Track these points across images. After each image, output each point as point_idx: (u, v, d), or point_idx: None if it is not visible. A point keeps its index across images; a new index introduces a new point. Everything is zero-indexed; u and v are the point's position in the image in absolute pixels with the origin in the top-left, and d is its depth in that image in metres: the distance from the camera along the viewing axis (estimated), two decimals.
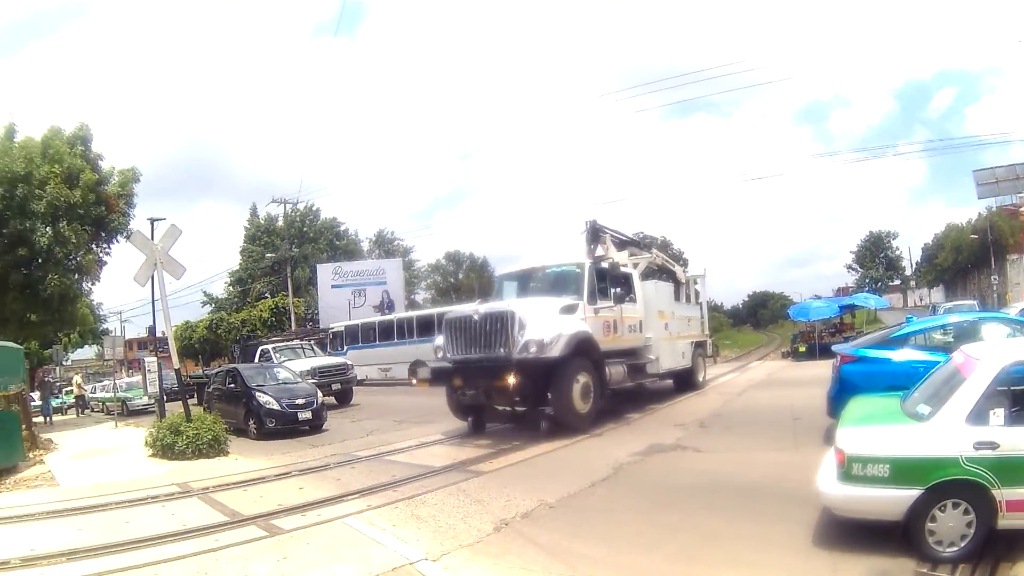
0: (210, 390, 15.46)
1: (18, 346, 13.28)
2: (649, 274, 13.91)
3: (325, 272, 40.39)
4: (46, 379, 29.51)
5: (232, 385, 14.00)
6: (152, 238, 11.91)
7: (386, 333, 27.64)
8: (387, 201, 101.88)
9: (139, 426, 14.70)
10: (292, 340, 26.12)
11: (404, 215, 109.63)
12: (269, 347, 21.76)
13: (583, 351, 9.94)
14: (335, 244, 47.71)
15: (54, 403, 24.41)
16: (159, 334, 20.98)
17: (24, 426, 11.88)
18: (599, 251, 12.41)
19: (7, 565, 5.04)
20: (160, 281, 11.43)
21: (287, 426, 12.54)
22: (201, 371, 37.86)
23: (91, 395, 29.51)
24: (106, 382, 30.57)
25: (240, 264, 48.60)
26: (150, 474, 9.30)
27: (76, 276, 19.55)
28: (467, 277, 59.56)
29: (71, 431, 17.72)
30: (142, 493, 7.55)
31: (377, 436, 11.45)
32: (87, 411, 27.30)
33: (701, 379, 15.42)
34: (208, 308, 51.20)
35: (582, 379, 9.76)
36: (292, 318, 39.33)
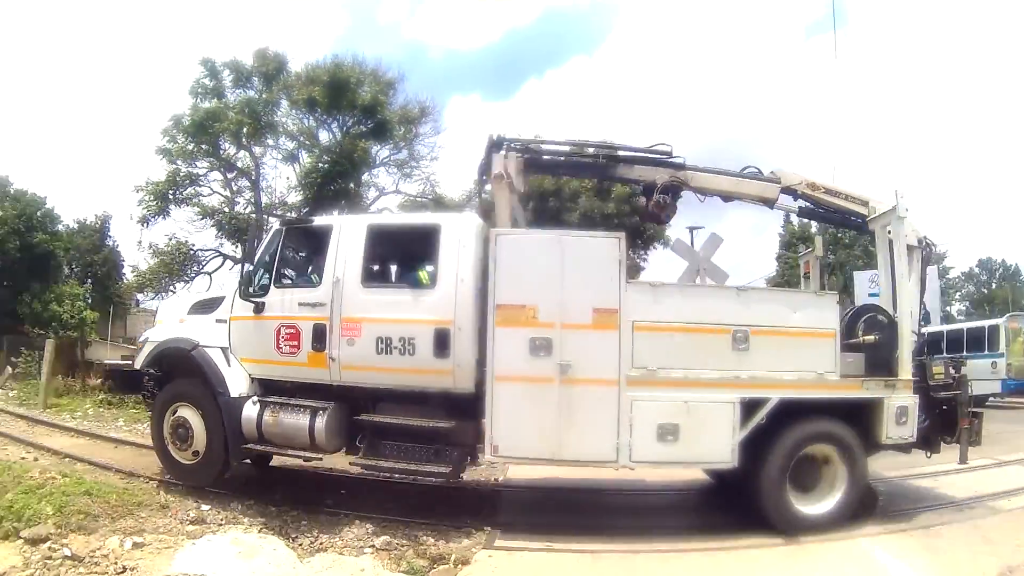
0: None
1: None
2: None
3: (862, 280, 38.29)
4: None
5: None
6: (692, 245, 12.48)
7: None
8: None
9: None
10: None
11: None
12: None
13: (192, 370, 7.00)
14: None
15: None
16: None
17: None
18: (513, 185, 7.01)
19: None
20: None
21: None
22: None
23: None
24: None
25: (776, 271, 44.28)
26: None
27: None
28: (1000, 287, 53.50)
29: None
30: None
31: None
32: None
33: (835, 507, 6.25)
34: None
35: (181, 411, 6.99)
36: None
